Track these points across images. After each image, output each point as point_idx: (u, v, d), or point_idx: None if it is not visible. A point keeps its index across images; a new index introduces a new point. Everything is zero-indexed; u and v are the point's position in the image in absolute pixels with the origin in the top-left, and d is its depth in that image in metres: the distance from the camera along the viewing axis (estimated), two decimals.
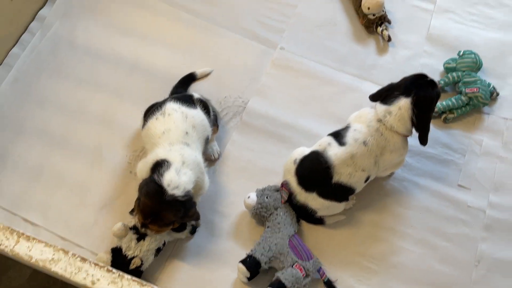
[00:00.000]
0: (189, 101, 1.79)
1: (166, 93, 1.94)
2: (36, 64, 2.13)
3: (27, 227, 1.79)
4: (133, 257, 1.62)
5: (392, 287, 1.69)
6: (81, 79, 2.09)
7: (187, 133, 1.67)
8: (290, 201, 1.76)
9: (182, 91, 1.99)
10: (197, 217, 1.65)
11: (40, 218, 1.81)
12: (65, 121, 2.00)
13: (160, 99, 1.84)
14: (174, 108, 1.73)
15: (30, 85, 2.08)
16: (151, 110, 1.77)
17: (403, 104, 1.64)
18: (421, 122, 1.65)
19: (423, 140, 1.71)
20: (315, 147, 1.74)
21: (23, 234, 1.30)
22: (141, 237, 1.65)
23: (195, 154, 1.67)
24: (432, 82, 1.69)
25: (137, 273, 1.62)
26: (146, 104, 1.83)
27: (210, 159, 1.91)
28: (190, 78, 2.06)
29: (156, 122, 1.71)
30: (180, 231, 1.70)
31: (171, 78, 2.00)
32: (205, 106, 1.83)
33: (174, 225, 1.60)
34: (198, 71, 2.07)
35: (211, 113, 1.86)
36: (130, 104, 2.02)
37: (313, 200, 1.72)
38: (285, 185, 1.77)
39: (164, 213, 1.53)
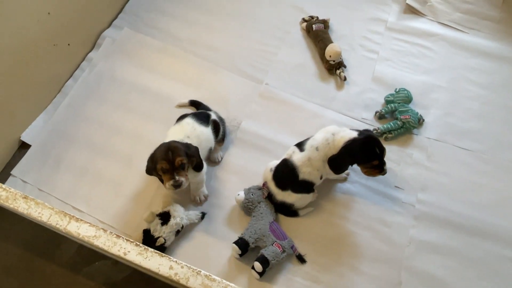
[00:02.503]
0: (204, 119, 1.80)
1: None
2: (84, 93, 2.13)
3: (75, 213, 1.77)
4: (159, 237, 1.62)
5: (345, 261, 1.70)
6: (117, 104, 2.09)
7: (188, 137, 1.68)
8: (270, 199, 1.76)
9: (204, 109, 1.99)
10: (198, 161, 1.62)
11: (84, 206, 1.80)
12: (104, 134, 1.99)
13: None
14: (188, 122, 1.75)
15: (79, 108, 2.08)
16: (178, 118, 1.82)
17: (349, 132, 1.66)
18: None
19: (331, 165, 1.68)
20: (284, 155, 1.76)
21: (73, 216, 1.30)
22: (164, 222, 1.64)
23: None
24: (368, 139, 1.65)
25: (162, 249, 1.63)
26: (166, 124, 1.84)
27: (214, 162, 1.92)
28: (195, 103, 2.06)
29: (174, 127, 1.77)
30: (199, 171, 1.66)
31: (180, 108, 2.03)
32: (216, 125, 1.83)
33: (188, 164, 1.57)
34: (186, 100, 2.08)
35: (221, 131, 1.87)
36: (154, 123, 2.01)
37: (289, 196, 1.72)
38: (265, 184, 1.78)
39: (176, 148, 1.54)
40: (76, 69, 2.21)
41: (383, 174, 1.69)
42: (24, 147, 1.98)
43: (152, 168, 1.58)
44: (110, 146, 1.96)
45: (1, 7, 1.64)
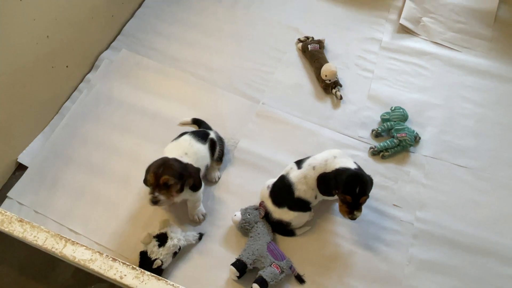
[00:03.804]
0: (203, 137, 1.81)
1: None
2: (82, 114, 2.13)
3: (71, 235, 1.75)
4: (156, 259, 1.59)
5: (345, 281, 1.67)
6: (115, 124, 2.09)
7: (186, 153, 1.68)
8: (267, 218, 1.75)
9: (205, 127, 2.00)
10: (197, 181, 1.60)
11: (81, 228, 1.78)
12: (102, 155, 1.98)
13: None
14: (185, 139, 1.76)
15: (77, 129, 2.07)
16: (177, 136, 1.82)
17: (349, 162, 1.64)
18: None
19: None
20: (282, 171, 1.75)
21: (69, 239, 1.28)
22: (161, 243, 1.62)
23: None
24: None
25: (159, 271, 1.60)
26: (164, 144, 1.82)
27: (212, 181, 1.90)
28: (197, 121, 2.06)
29: (171, 144, 1.78)
30: (195, 190, 1.64)
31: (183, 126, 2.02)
32: (213, 144, 1.84)
33: (178, 186, 1.53)
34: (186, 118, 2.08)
35: (217, 150, 1.87)
36: (151, 144, 2.01)
37: (285, 214, 1.70)
38: (262, 204, 1.76)
39: (169, 166, 1.53)
40: (74, 91, 2.22)
41: (350, 218, 1.60)
42: (20, 168, 1.97)
43: (144, 178, 1.59)
44: (108, 167, 1.95)
45: (1, 30, 1.65)
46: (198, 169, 1.64)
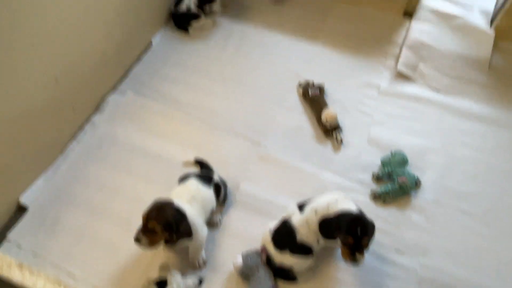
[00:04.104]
0: (207, 181, 1.82)
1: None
2: (85, 155, 2.15)
3: (70, 278, 1.72)
4: None
5: None
6: (118, 166, 2.10)
7: (193, 197, 1.69)
8: (269, 263, 1.72)
9: (208, 169, 2.01)
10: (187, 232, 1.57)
11: (80, 271, 1.75)
12: (103, 197, 1.98)
13: (176, 182, 1.85)
14: (193, 183, 1.77)
15: (80, 170, 2.08)
16: (183, 178, 1.82)
17: (351, 205, 1.64)
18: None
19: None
20: (284, 215, 1.74)
21: (67, 286, 1.26)
22: None
23: (196, 214, 1.66)
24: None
25: None
26: (166, 186, 1.84)
27: (214, 225, 1.89)
28: (200, 162, 2.07)
29: (179, 188, 1.77)
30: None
31: (186, 168, 2.02)
32: (217, 188, 1.84)
33: (163, 237, 1.50)
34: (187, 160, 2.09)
35: (222, 194, 1.87)
36: (153, 186, 2.01)
37: (287, 259, 1.68)
38: (263, 249, 1.74)
39: (162, 213, 1.51)
40: (79, 131, 2.25)
41: (353, 261, 1.55)
42: (21, 209, 1.96)
43: None
44: (109, 209, 1.94)
45: (12, 74, 1.71)
46: (189, 229, 1.59)
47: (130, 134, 2.23)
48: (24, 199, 1.97)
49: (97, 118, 2.30)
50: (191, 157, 2.10)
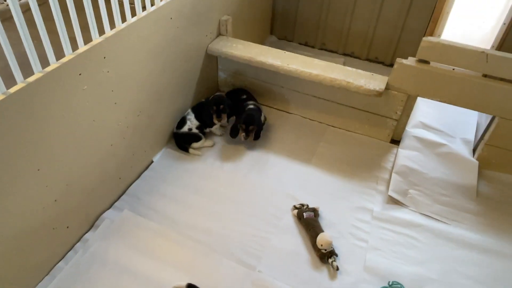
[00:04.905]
0: None
1: None
2: (73, 276, 2.05)
3: None
4: None
5: None
6: None
7: None
8: None
9: None
10: None
11: None
12: None
13: None
14: None
15: None
16: None
17: None
18: None
19: None
20: None
21: None
22: None
23: None
24: None
25: None
26: None
27: None
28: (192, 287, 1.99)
29: None
30: None
31: None
32: None
33: None
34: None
35: None
36: None
37: None
38: None
39: None
40: (69, 250, 2.19)
41: None
42: None
43: None
44: None
45: (15, 198, 1.72)
46: None
47: (121, 254, 2.17)
48: None
49: (90, 236, 2.26)
50: (182, 281, 2.02)
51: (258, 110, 2.89)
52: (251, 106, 2.89)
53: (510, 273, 2.21)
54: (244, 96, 3.06)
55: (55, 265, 2.11)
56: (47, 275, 2.07)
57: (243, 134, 2.78)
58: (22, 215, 1.81)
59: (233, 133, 2.88)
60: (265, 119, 3.02)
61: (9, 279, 1.85)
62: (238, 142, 2.96)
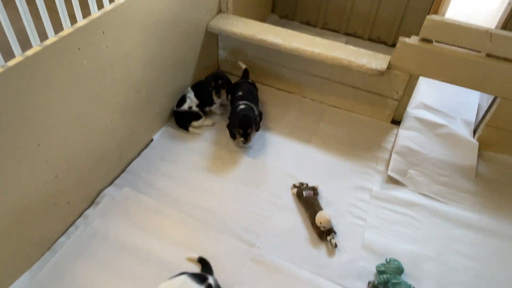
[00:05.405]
0: (200, 278, 1.77)
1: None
2: (74, 251, 2.08)
3: None
4: None
5: None
6: (106, 265, 2.02)
7: None
8: None
9: (209, 270, 1.99)
10: None
11: None
12: None
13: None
14: (180, 278, 1.74)
15: (66, 267, 2.00)
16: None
17: None
18: None
19: None
20: None
21: None
22: None
23: None
24: None
25: None
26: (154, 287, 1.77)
27: None
28: (203, 261, 2.05)
29: (164, 283, 1.72)
30: None
31: (175, 269, 1.93)
32: None
33: None
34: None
35: None
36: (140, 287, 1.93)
37: None
38: None
39: None
40: (70, 226, 2.21)
41: None
42: None
43: None
44: None
45: (15, 173, 1.73)
46: None
47: (121, 231, 2.19)
48: None
49: (90, 213, 2.27)
50: (182, 256, 2.06)
51: (251, 109, 2.68)
52: (242, 107, 2.67)
53: (506, 252, 2.24)
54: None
55: (56, 240, 2.13)
56: (48, 250, 2.09)
57: (242, 139, 2.62)
58: (23, 190, 1.81)
59: (232, 135, 2.71)
60: (261, 113, 2.83)
61: (11, 254, 1.87)
62: None
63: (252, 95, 2.85)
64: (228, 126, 2.72)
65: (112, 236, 2.16)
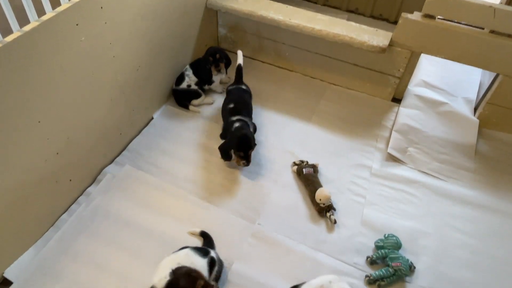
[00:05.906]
0: (203, 253, 1.80)
1: None
2: (77, 227, 2.11)
3: None
4: None
5: None
6: (108, 240, 2.06)
7: (179, 264, 1.64)
8: None
9: (210, 243, 2.03)
10: None
11: None
12: (91, 273, 1.92)
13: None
14: (183, 251, 1.77)
15: (70, 243, 2.04)
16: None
17: (343, 285, 1.65)
18: None
19: None
20: None
21: None
22: None
23: None
24: None
25: None
26: (156, 263, 1.77)
27: None
28: (204, 234, 2.09)
29: (169, 257, 1.74)
30: None
31: (177, 244, 1.95)
32: (212, 262, 1.81)
33: None
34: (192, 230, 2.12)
35: (215, 270, 1.83)
36: (143, 263, 1.96)
37: None
38: None
39: None
40: (73, 203, 2.23)
41: None
42: (5, 283, 1.88)
43: None
44: (94, 286, 1.87)
45: (15, 149, 1.73)
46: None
47: (123, 207, 2.21)
48: (9, 273, 1.89)
49: (92, 190, 2.29)
50: (183, 232, 2.09)
51: (247, 125, 2.41)
52: (237, 125, 2.37)
53: (504, 229, 2.26)
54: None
55: (59, 217, 2.16)
56: (52, 226, 2.12)
57: (243, 162, 2.33)
58: (24, 167, 1.82)
59: (227, 157, 2.40)
60: (255, 127, 2.55)
61: (16, 229, 1.90)
62: None
63: (246, 105, 2.54)
64: (221, 148, 2.38)
65: (114, 213, 2.19)
